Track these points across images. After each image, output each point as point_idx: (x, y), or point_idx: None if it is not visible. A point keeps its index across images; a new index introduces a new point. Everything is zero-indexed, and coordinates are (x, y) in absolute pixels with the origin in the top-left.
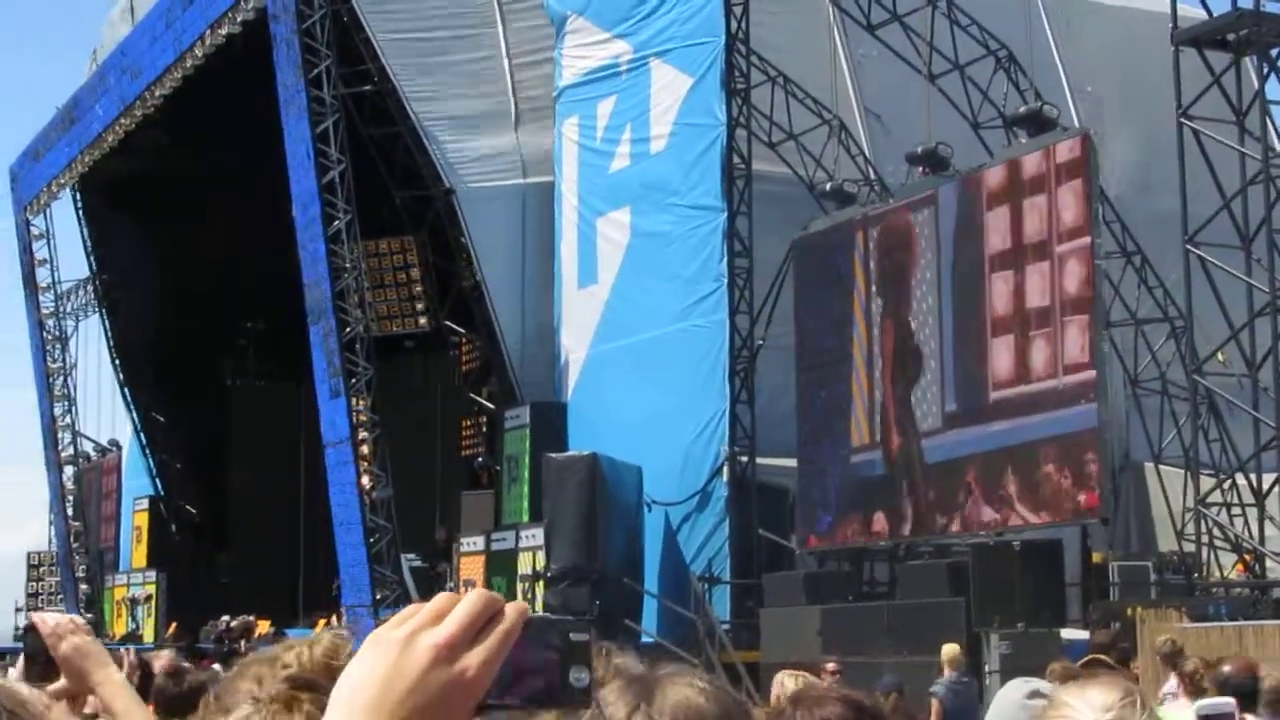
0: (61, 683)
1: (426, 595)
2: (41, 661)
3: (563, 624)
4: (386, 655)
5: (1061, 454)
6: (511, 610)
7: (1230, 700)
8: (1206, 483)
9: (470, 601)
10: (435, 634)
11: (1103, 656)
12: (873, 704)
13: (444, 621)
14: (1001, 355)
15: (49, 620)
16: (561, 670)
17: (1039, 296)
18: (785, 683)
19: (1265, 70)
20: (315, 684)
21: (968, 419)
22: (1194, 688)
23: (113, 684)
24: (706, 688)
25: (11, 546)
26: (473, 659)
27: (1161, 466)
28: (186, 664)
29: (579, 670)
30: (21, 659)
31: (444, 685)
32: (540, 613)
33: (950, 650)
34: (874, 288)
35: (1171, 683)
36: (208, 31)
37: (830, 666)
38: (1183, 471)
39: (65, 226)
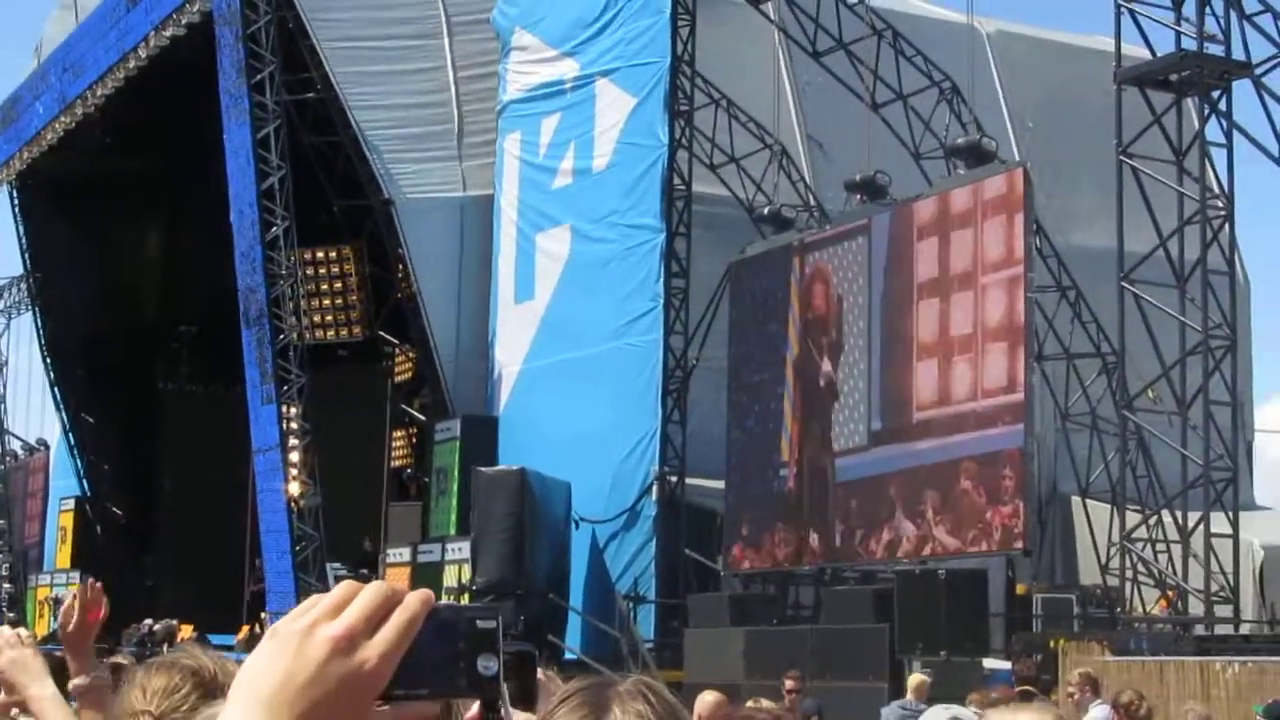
0: (3, 697)
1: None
2: None
3: (469, 611)
4: (285, 648)
5: (978, 472)
6: (414, 599)
7: None
8: (1132, 518)
9: (369, 592)
10: (334, 625)
11: (1031, 688)
12: None
13: (344, 612)
14: (925, 378)
15: None
16: (469, 659)
17: (963, 324)
18: (706, 699)
19: (1206, 112)
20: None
21: (892, 437)
22: (1130, 718)
23: (45, 699)
24: (657, 709)
25: None
26: (372, 650)
27: (1088, 500)
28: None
29: (486, 658)
30: None
31: (343, 677)
32: (446, 601)
33: (916, 679)
34: (808, 312)
35: (1094, 713)
36: (152, 33)
37: (789, 684)
38: (1109, 506)
39: (1, 223)
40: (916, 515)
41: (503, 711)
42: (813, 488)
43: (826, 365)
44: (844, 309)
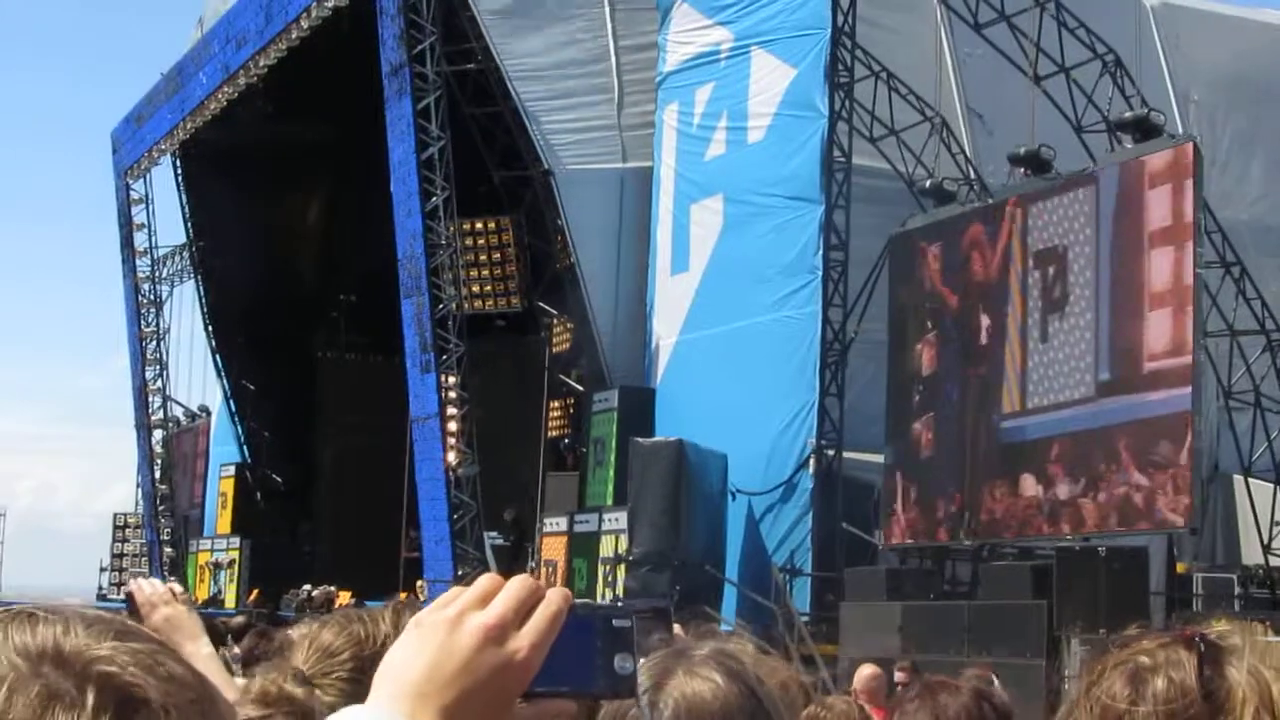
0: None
1: (507, 573)
2: None
3: (604, 610)
4: (433, 636)
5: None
6: (555, 595)
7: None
8: None
9: (516, 584)
10: (484, 615)
11: None
12: (1001, 701)
13: (492, 603)
14: (1156, 328)
15: (145, 588)
16: (606, 657)
17: (1190, 275)
18: (863, 671)
19: None
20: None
21: (1119, 388)
22: None
23: (200, 657)
24: (721, 683)
25: (101, 507)
26: (523, 640)
27: (1251, 479)
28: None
29: (623, 658)
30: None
31: (494, 667)
32: (580, 599)
33: None
34: (1028, 261)
35: None
36: (314, 3)
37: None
38: (1272, 485)
39: (164, 192)
40: (1148, 465)
41: (640, 708)
42: (974, 452)
43: (986, 321)
44: (1068, 260)
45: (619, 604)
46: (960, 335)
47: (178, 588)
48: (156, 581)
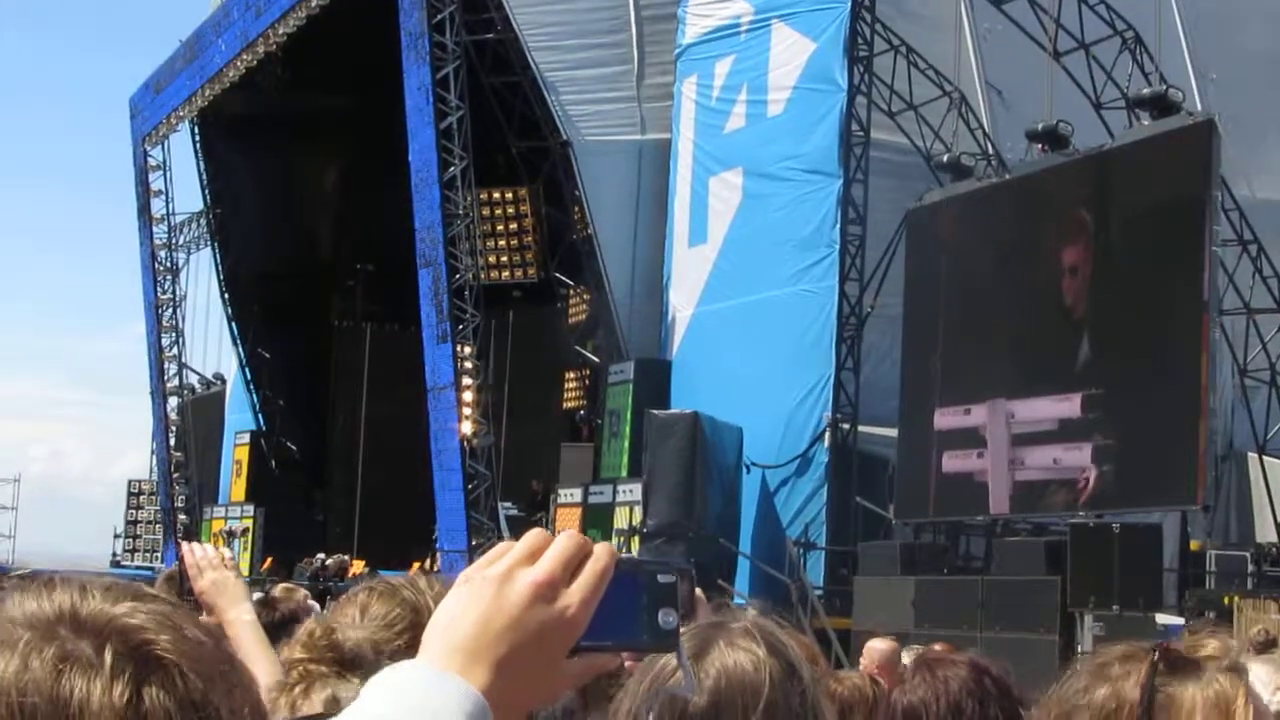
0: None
1: None
2: (185, 591)
3: (649, 565)
4: (483, 592)
5: None
6: (603, 550)
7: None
8: None
9: (564, 540)
10: (534, 571)
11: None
12: (999, 672)
13: (541, 559)
14: None
15: (195, 551)
16: (650, 612)
17: None
18: (879, 646)
19: None
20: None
21: None
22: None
23: (242, 623)
24: (763, 656)
25: (113, 474)
26: (573, 596)
27: (1265, 457)
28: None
29: (667, 612)
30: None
31: (544, 623)
32: (625, 555)
33: None
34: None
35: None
36: None
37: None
38: None
39: (182, 159)
40: None
41: (681, 663)
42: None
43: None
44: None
45: (664, 560)
46: None
47: (227, 553)
48: (208, 547)
